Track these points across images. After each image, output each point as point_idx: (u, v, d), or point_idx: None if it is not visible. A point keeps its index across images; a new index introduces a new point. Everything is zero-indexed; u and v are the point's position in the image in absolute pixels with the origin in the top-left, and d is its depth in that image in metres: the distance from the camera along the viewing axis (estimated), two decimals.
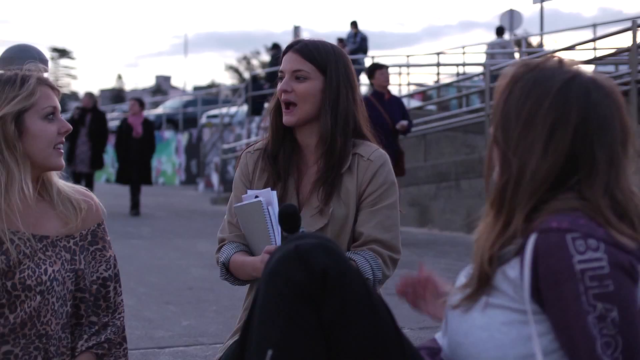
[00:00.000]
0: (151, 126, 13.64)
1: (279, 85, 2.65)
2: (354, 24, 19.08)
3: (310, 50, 2.64)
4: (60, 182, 2.42)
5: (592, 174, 1.74)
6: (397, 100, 9.65)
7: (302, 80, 2.62)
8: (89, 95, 14.23)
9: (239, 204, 2.57)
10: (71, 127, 2.37)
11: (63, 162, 2.36)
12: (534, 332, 1.74)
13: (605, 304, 1.66)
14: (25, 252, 2.28)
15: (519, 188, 1.75)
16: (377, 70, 9.40)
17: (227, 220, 2.71)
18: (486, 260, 1.77)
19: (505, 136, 1.78)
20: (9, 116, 2.25)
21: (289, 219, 2.31)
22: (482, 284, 1.78)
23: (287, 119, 2.63)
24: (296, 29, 23.64)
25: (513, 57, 17.56)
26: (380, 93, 9.32)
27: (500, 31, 18.21)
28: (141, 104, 13.69)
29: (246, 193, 2.60)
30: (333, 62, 2.65)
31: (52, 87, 2.35)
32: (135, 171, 13.18)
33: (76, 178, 13.28)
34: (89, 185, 13.28)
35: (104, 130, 13.67)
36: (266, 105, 19.20)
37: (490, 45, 18.11)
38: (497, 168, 1.80)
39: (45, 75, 2.38)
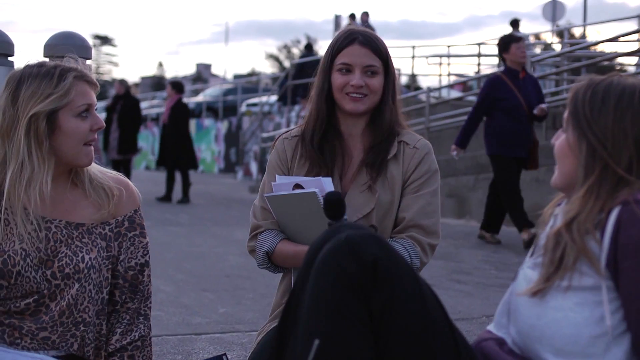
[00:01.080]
0: (179, 109, 12.98)
1: (349, 78, 2.62)
2: (351, 16, 18.93)
3: (377, 45, 2.65)
4: (95, 168, 2.43)
5: None
6: (532, 80, 8.14)
7: (372, 75, 2.64)
8: (121, 82, 14.26)
9: (287, 193, 2.55)
10: (104, 124, 2.37)
11: (92, 158, 2.35)
12: (605, 293, 1.82)
13: None
14: (62, 239, 2.31)
15: (612, 173, 1.86)
16: (513, 44, 7.86)
17: (260, 206, 2.70)
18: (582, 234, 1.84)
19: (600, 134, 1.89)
20: (41, 114, 2.25)
21: (334, 205, 2.33)
22: (566, 264, 1.85)
23: (357, 106, 2.63)
24: (337, 18, 23.59)
25: (529, 49, 17.43)
26: (514, 70, 7.88)
27: (515, 24, 18.03)
28: (174, 87, 13.19)
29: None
30: (389, 54, 2.69)
31: (90, 82, 2.34)
32: (170, 158, 12.94)
33: (114, 165, 13.37)
34: (126, 172, 13.25)
35: (135, 116, 13.63)
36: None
37: None
38: (583, 159, 1.89)
39: (86, 66, 2.38)
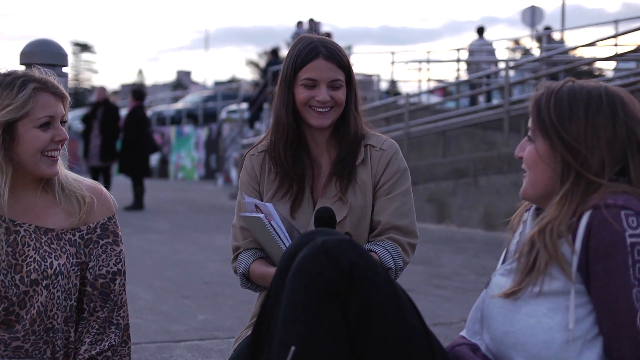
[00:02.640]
0: (130, 117, 13.30)
1: (314, 93, 2.58)
2: (299, 23, 19.19)
3: (340, 57, 2.60)
4: (70, 176, 2.42)
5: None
6: None
7: (336, 88, 2.60)
8: (101, 89, 14.37)
9: (242, 214, 2.56)
10: (67, 136, 2.36)
11: (55, 169, 2.33)
12: (572, 298, 1.83)
13: None
14: (30, 243, 2.30)
15: (586, 178, 1.87)
16: None
17: (237, 226, 2.68)
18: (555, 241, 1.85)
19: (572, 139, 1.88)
20: None
21: (325, 222, 2.32)
22: (538, 268, 1.86)
23: (322, 121, 2.60)
24: (317, 24, 23.58)
25: (494, 56, 17.56)
26: None
27: (480, 31, 18.13)
28: (133, 95, 13.56)
29: (251, 197, 2.61)
30: (350, 63, 2.66)
31: (56, 94, 2.32)
32: (126, 164, 13.14)
33: (93, 172, 13.31)
34: (106, 179, 13.22)
35: (115, 123, 13.65)
36: (266, 105, 19.14)
37: (472, 46, 18.02)
38: (558, 167, 1.89)
39: (62, 77, 2.36)
